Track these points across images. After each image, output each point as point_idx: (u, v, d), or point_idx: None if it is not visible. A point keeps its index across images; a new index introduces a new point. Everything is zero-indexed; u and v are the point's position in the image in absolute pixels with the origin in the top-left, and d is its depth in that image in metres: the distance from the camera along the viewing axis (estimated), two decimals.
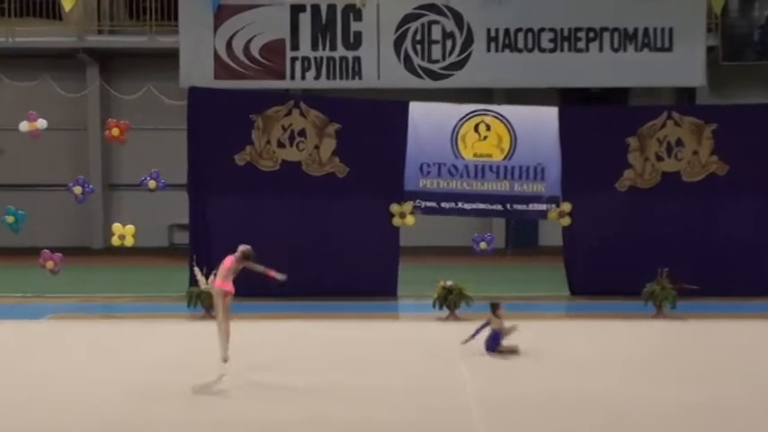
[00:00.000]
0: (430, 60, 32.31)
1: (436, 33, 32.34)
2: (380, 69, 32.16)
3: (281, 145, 23.15)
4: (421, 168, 23.09)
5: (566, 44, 32.41)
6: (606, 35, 32.37)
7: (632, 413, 12.60)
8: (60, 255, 20.82)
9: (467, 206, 23.32)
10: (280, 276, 15.31)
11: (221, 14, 31.93)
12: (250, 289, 21.59)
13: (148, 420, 12.22)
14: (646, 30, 32.29)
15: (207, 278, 19.98)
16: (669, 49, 32.28)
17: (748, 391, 13.81)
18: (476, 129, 23.15)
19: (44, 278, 21.54)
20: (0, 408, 12.89)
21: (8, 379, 14.57)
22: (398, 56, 32.13)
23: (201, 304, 20.17)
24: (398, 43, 32.24)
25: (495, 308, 16.51)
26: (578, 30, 32.37)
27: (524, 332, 16.65)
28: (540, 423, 12.18)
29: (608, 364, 15.58)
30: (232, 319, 15.36)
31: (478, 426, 12.01)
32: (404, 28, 32.25)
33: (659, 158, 23.33)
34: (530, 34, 32.40)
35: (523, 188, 23.17)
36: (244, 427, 12.00)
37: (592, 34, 32.35)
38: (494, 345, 16.32)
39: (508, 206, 23.30)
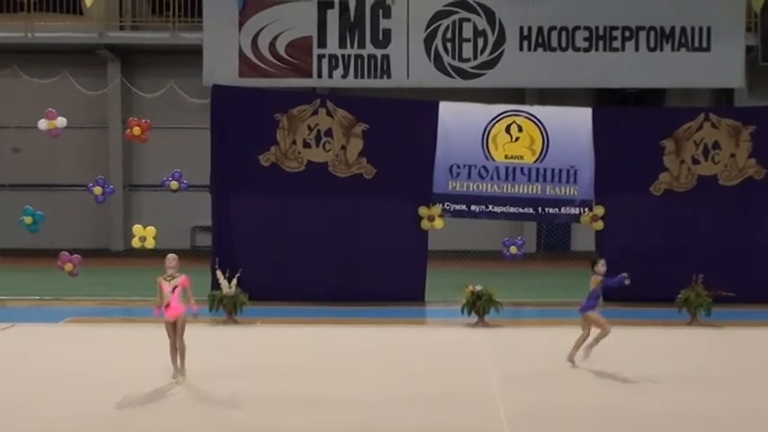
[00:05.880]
0: (461, 59, 31.74)
1: (467, 31, 31.79)
2: (410, 68, 31.64)
3: (306, 145, 22.83)
4: (450, 170, 22.71)
5: (601, 43, 31.83)
6: (642, 34, 31.77)
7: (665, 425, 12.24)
8: (79, 257, 20.43)
9: (497, 209, 22.94)
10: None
11: (246, 10, 31.49)
12: (275, 293, 21.60)
13: (156, 427, 12.12)
14: (683, 29, 31.71)
15: (230, 281, 19.79)
16: (707, 49, 31.69)
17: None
18: (507, 130, 22.79)
19: (63, 280, 21.12)
20: (7, 410, 12.80)
21: (18, 381, 14.46)
22: (428, 54, 31.57)
23: (224, 308, 20.16)
24: (428, 41, 31.68)
25: (593, 264, 15.88)
26: (614, 29, 31.78)
27: (555, 339, 16.62)
28: None
29: (641, 375, 15.09)
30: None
31: None
32: (434, 25, 31.69)
33: (695, 161, 23.03)
34: (564, 33, 31.82)
35: (555, 191, 22.80)
36: None
37: (628, 33, 31.75)
38: (588, 306, 15.66)
39: (539, 209, 22.95)
